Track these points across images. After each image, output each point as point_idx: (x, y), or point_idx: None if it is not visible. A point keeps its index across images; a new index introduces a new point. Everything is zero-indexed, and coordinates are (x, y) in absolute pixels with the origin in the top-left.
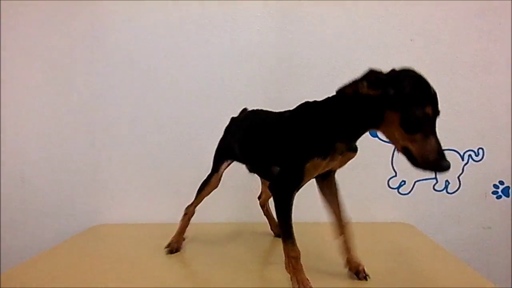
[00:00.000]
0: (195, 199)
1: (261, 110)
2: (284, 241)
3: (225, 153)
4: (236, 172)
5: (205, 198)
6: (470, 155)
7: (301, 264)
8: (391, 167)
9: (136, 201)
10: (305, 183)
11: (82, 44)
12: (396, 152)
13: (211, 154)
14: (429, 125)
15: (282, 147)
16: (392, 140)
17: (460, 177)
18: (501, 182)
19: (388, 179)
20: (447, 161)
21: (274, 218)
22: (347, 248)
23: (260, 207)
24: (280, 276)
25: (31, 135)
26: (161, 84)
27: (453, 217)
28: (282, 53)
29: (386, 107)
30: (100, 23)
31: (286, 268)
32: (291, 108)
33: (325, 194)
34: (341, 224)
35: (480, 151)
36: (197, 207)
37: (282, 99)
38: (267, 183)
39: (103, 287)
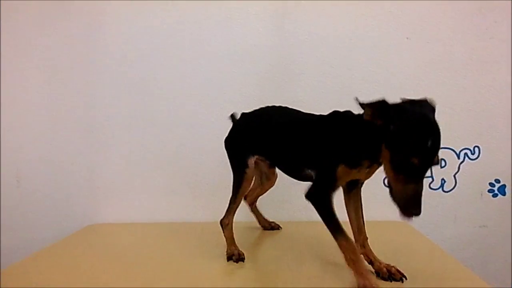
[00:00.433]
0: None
1: (285, 108)
2: (337, 240)
3: (249, 148)
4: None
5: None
6: (466, 154)
7: (359, 255)
8: None
9: (132, 200)
10: (339, 185)
11: (79, 44)
12: None
13: (208, 153)
14: (416, 172)
15: (316, 152)
16: (384, 169)
17: (456, 176)
18: (497, 180)
19: (384, 177)
20: (418, 210)
21: (261, 214)
22: (370, 261)
23: (248, 206)
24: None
25: (27, 134)
26: (157, 83)
27: (449, 215)
28: (279, 53)
29: (383, 139)
30: (97, 23)
31: (348, 265)
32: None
33: (349, 211)
34: (362, 243)
35: (476, 149)
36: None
37: (279, 99)
38: (259, 183)
39: (99, 286)
